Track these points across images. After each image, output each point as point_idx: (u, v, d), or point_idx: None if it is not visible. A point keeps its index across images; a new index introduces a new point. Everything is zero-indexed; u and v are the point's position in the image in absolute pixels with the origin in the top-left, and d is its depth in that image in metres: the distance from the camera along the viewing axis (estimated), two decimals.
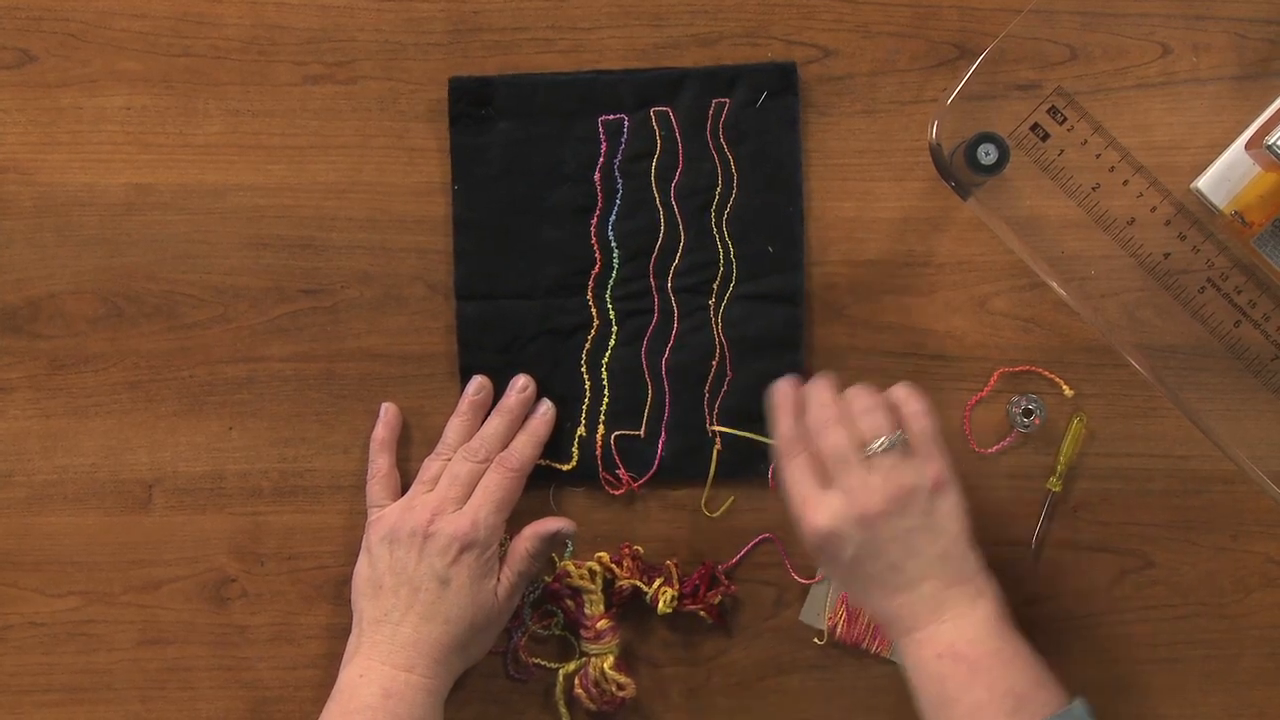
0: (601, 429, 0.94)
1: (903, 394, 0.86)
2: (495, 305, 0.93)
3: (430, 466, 0.92)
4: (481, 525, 0.87)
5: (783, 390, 0.88)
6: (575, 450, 0.94)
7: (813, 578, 0.94)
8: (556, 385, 0.94)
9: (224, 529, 0.94)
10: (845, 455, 0.83)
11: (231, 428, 0.94)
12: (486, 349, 0.93)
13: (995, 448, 0.94)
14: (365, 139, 0.93)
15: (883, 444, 0.83)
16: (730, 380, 0.93)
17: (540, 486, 0.94)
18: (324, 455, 0.94)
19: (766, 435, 0.91)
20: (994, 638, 0.82)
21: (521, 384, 0.93)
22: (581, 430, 0.94)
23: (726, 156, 0.93)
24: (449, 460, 0.91)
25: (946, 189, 0.88)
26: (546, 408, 0.93)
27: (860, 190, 0.94)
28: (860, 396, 0.86)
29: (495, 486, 0.89)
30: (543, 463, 0.93)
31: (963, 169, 0.88)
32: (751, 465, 0.93)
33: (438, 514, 0.88)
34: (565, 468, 0.94)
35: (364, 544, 0.91)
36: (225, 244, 0.93)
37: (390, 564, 0.88)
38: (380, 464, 0.92)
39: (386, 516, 0.90)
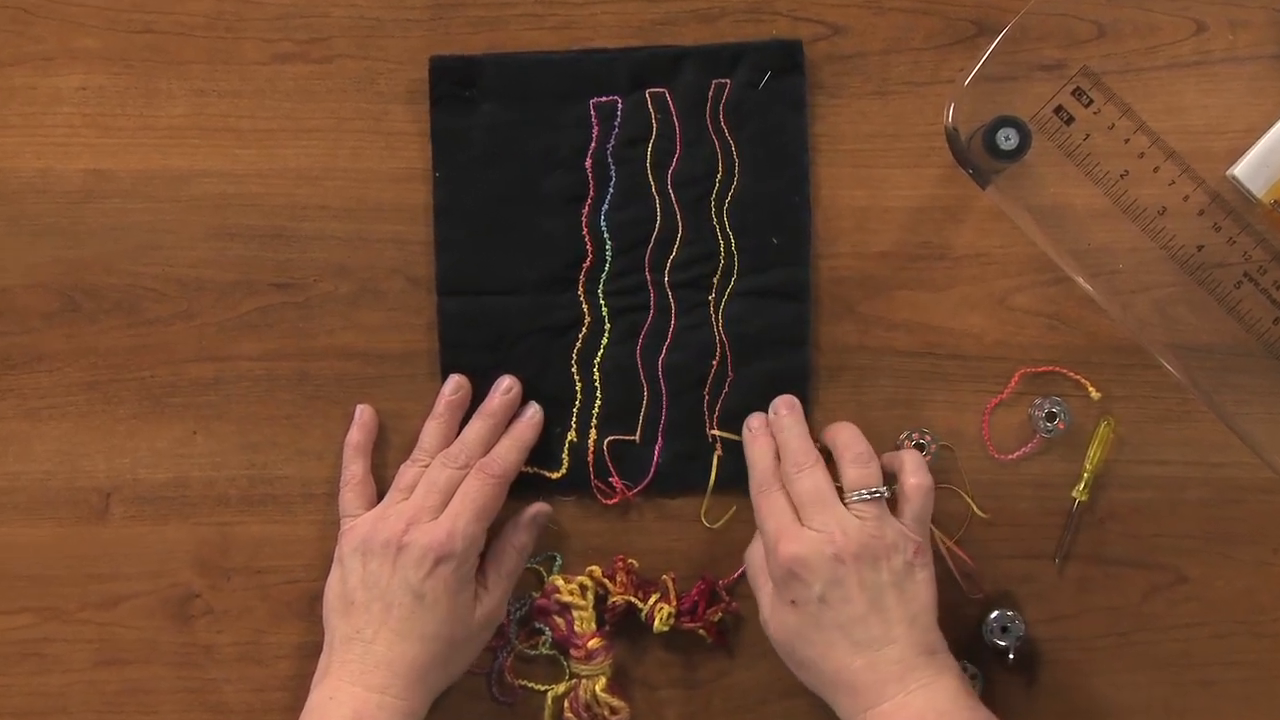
0: (593, 434, 0.93)
1: (911, 463, 0.87)
2: (479, 301, 0.92)
3: (406, 473, 0.90)
4: (459, 535, 0.86)
5: (756, 422, 0.90)
6: (565, 456, 0.93)
7: None
8: (545, 387, 0.93)
9: (188, 540, 0.93)
10: (824, 496, 0.85)
11: (196, 432, 0.93)
12: (470, 347, 0.92)
13: (1016, 454, 0.93)
14: (340, 122, 0.93)
15: (868, 494, 0.85)
16: (731, 381, 0.93)
17: (526, 496, 0.92)
18: (295, 461, 0.93)
19: None
20: (965, 710, 0.82)
21: (506, 385, 0.92)
22: (572, 435, 0.93)
23: (728, 141, 0.92)
24: (426, 467, 0.90)
25: (964, 177, 0.87)
26: (534, 411, 0.92)
27: (871, 178, 0.93)
28: (855, 442, 0.87)
29: (475, 494, 0.88)
30: (529, 470, 0.92)
31: (981, 155, 0.87)
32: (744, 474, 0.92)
33: (413, 524, 0.87)
34: (554, 475, 0.93)
35: (336, 556, 0.89)
36: (190, 234, 0.93)
37: (363, 577, 0.86)
38: (354, 470, 0.91)
39: (359, 527, 0.88)
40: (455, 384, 0.92)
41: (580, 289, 0.93)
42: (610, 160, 0.92)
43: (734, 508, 0.93)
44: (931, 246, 0.93)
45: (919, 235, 0.93)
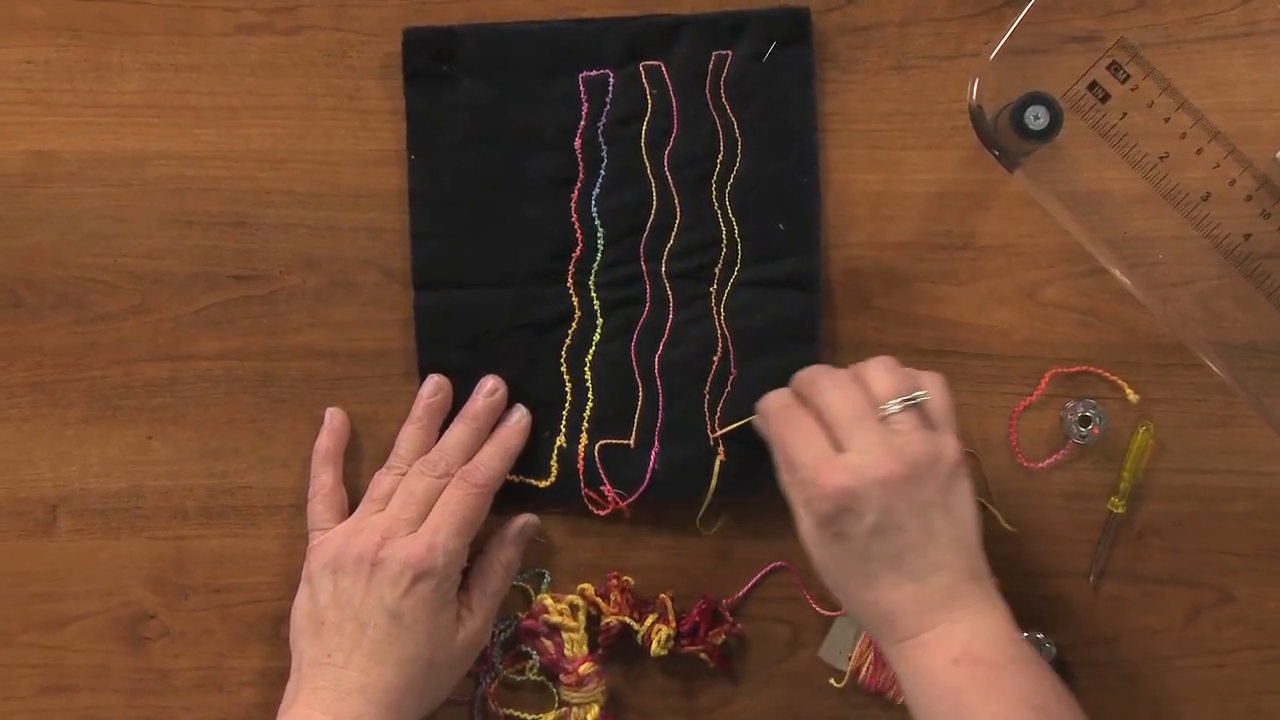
0: (584, 438, 0.92)
1: (920, 371, 0.86)
2: (459, 295, 0.92)
3: (380, 482, 0.89)
4: (439, 550, 0.86)
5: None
6: (554, 463, 0.92)
7: (836, 610, 0.93)
8: (532, 388, 0.92)
9: (141, 556, 0.93)
10: (860, 413, 0.83)
11: (151, 437, 0.93)
12: (450, 345, 0.92)
13: (1047, 462, 0.93)
14: (309, 99, 0.92)
15: (902, 402, 0.83)
16: (734, 380, 0.92)
17: (512, 507, 0.92)
18: (260, 469, 0.93)
19: None
20: (1011, 642, 0.81)
21: (490, 387, 0.91)
22: (561, 440, 0.92)
23: (729, 119, 0.91)
24: (403, 475, 0.89)
25: (989, 159, 0.88)
26: (519, 415, 0.91)
27: (888, 160, 0.92)
28: (876, 359, 0.85)
29: (456, 505, 0.87)
30: (514, 478, 0.92)
31: (1009, 135, 0.87)
32: (761, 479, 0.90)
33: (388, 537, 0.86)
34: (542, 484, 0.92)
35: (304, 573, 0.88)
36: (144, 222, 0.93)
37: (334, 596, 0.86)
38: (324, 480, 0.90)
39: (329, 541, 0.88)
40: (434, 385, 0.91)
41: (569, 281, 0.92)
42: (601, 140, 0.92)
43: (722, 518, 0.93)
44: (954, 236, 0.93)
45: (940, 223, 0.93)
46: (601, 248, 0.92)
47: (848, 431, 0.82)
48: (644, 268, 0.92)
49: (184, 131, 0.92)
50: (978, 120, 0.86)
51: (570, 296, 0.92)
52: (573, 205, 0.92)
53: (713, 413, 0.92)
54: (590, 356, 0.92)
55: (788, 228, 0.91)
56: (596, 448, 0.92)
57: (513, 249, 0.92)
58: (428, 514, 0.87)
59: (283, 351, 0.93)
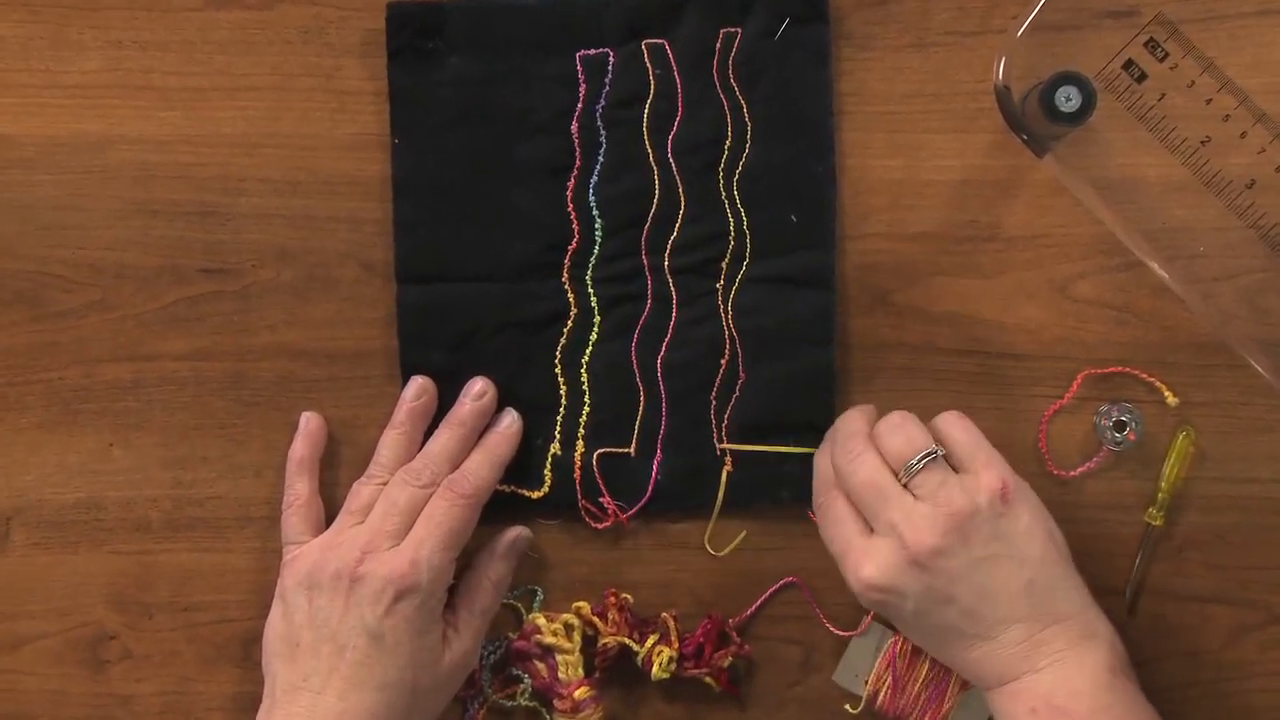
0: (581, 446, 0.91)
1: (942, 417, 0.86)
2: (446, 289, 0.90)
3: (360, 493, 0.88)
4: (424, 565, 0.84)
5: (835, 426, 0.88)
6: (548, 473, 0.91)
7: (852, 629, 0.92)
8: (523, 390, 0.91)
9: (102, 572, 0.92)
10: (880, 485, 0.83)
11: (112, 444, 0.92)
12: (435, 344, 0.90)
13: (1079, 470, 0.92)
14: (284, 79, 0.91)
15: (921, 460, 0.82)
16: (743, 384, 0.91)
17: (502, 519, 0.91)
18: (230, 478, 0.92)
19: (792, 447, 0.91)
20: (1104, 691, 0.80)
21: (478, 389, 0.89)
22: (555, 447, 0.91)
23: (738, 101, 0.90)
24: (384, 485, 0.87)
25: (1017, 144, 0.87)
26: (510, 420, 0.89)
27: (908, 144, 0.91)
28: (885, 420, 0.85)
29: (442, 517, 0.85)
30: (505, 489, 0.90)
31: (1038, 118, 0.86)
32: (771, 491, 0.91)
33: (369, 552, 0.84)
34: (535, 495, 0.91)
35: (278, 591, 0.87)
36: (105, 212, 0.91)
37: (310, 615, 0.84)
38: (299, 489, 0.88)
39: (305, 555, 0.86)
40: (418, 388, 0.89)
41: (565, 275, 0.91)
42: (600, 123, 0.90)
43: (744, 533, 0.92)
44: (979, 226, 0.91)
45: (964, 213, 0.91)
46: (599, 240, 0.91)
47: (872, 512, 0.83)
48: (645, 262, 0.91)
49: (148, 114, 0.91)
50: (1004, 101, 0.85)
51: (566, 292, 0.91)
52: (569, 194, 0.91)
53: (720, 419, 0.91)
54: (587, 357, 0.91)
55: (800, 219, 0.90)
56: (594, 456, 0.91)
57: (503, 240, 0.91)
58: (411, 526, 0.86)
59: (255, 351, 0.92)
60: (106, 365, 0.91)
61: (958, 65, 0.90)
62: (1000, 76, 0.85)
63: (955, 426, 0.84)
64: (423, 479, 0.86)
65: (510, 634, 0.92)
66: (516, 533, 0.91)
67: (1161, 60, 0.88)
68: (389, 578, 0.83)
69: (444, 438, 0.88)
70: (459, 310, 0.91)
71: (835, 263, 0.90)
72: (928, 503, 0.81)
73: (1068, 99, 0.85)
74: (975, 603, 0.81)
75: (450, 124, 0.90)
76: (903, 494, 0.82)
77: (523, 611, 0.92)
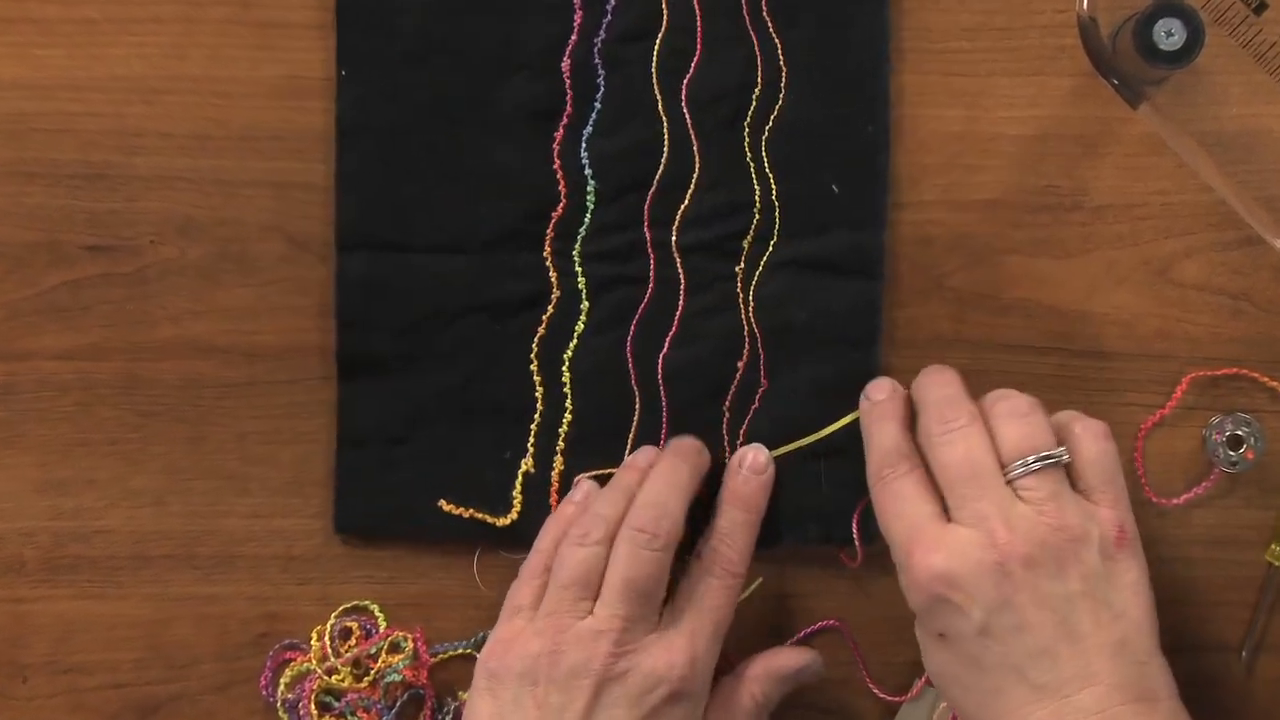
0: (559, 462, 0.85)
1: (1069, 414, 0.79)
2: (398, 261, 0.84)
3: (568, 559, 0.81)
4: (700, 661, 0.78)
5: (880, 390, 0.81)
6: (518, 495, 0.85)
7: (903, 693, 0.86)
8: (490, 392, 0.85)
9: None
10: (981, 468, 0.76)
11: None
12: (382, 329, 0.84)
13: (1185, 496, 0.85)
14: (192, 8, 0.84)
15: (1038, 461, 0.76)
16: (764, 393, 0.84)
17: (459, 551, 0.85)
18: (122, 508, 0.85)
19: (821, 451, 0.84)
20: None
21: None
22: (528, 464, 0.85)
23: (771, 41, 0.84)
24: (599, 544, 0.80)
25: (1106, 90, 0.80)
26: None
27: (970, 90, 0.84)
28: (1006, 398, 0.79)
29: (717, 600, 0.80)
30: (466, 514, 0.84)
31: (1132, 58, 0.79)
32: (797, 527, 0.84)
33: (622, 642, 0.78)
34: (500, 522, 0.84)
35: (474, 687, 0.80)
36: None
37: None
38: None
39: (516, 642, 0.79)
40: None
41: (546, 248, 0.85)
42: (598, 61, 0.84)
43: (759, 580, 0.85)
44: (1059, 192, 0.85)
45: (1040, 175, 0.85)
46: (591, 206, 0.85)
47: (959, 495, 0.76)
48: (647, 236, 0.85)
49: (23, 53, 0.84)
50: (1090, 37, 0.79)
51: (547, 270, 0.85)
52: (555, 147, 0.85)
53: (734, 436, 0.85)
54: (570, 352, 0.85)
55: (843, 190, 0.84)
56: (577, 478, 0.84)
57: (472, 202, 0.84)
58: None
59: (154, 348, 0.85)
60: None
61: None
62: (1085, 6, 0.79)
63: (1092, 442, 0.78)
64: (659, 542, 0.80)
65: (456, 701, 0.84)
66: (808, 660, 0.84)
67: None
68: (664, 675, 0.78)
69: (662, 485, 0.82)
70: (413, 287, 0.84)
71: (884, 244, 0.85)
72: (1032, 507, 0.76)
73: (1169, 34, 0.79)
74: (1054, 641, 0.74)
75: (411, 57, 0.84)
76: (1005, 487, 0.76)
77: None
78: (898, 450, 0.79)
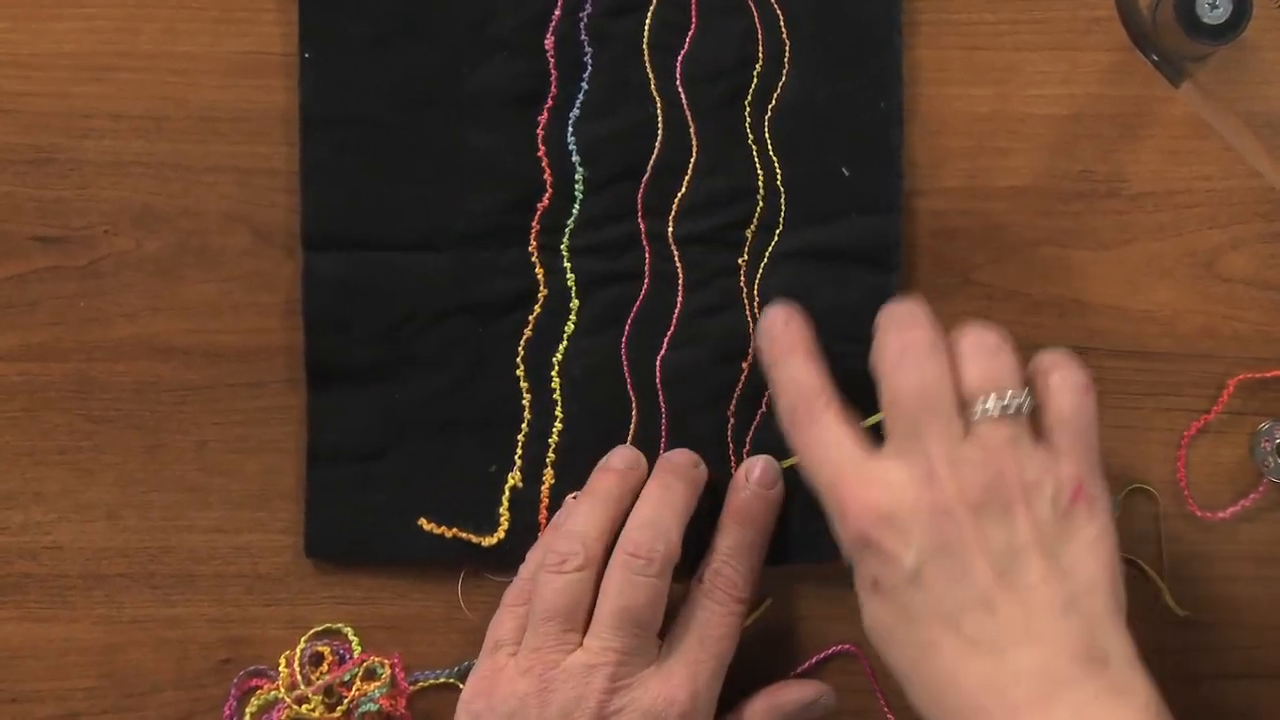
0: (549, 476, 0.82)
1: (1053, 358, 0.76)
2: (371, 260, 0.81)
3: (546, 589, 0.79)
4: (702, 696, 0.76)
5: (775, 321, 0.79)
6: (504, 512, 0.81)
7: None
8: (474, 399, 0.82)
9: None
10: (935, 401, 0.72)
11: None
12: (354, 335, 0.81)
13: (1231, 510, 0.82)
14: None
15: (999, 404, 0.72)
16: (771, 396, 0.80)
17: (441, 571, 0.82)
18: (73, 522, 0.82)
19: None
20: None
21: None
22: (515, 478, 0.81)
23: (772, 11, 0.81)
24: (583, 572, 0.78)
25: (1145, 66, 0.77)
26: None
27: (999, 67, 0.81)
28: (975, 331, 0.75)
29: (720, 631, 0.79)
30: (449, 533, 0.82)
31: (1173, 31, 0.77)
32: (809, 540, 0.81)
33: (617, 677, 0.76)
34: (486, 541, 0.81)
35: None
36: None
37: None
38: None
39: (504, 680, 0.77)
40: (628, 457, 0.82)
41: (533, 243, 0.82)
42: (585, 38, 0.81)
43: (768, 600, 0.82)
44: (1094, 178, 0.82)
45: (1073, 160, 0.82)
46: (580, 196, 0.82)
47: (905, 428, 0.72)
48: (642, 227, 0.81)
49: None
50: (1128, 9, 0.75)
51: (533, 266, 0.82)
52: (540, 133, 0.82)
53: (739, 443, 0.81)
54: (560, 355, 0.82)
55: (854, 173, 0.81)
56: (569, 494, 0.81)
57: (450, 194, 0.81)
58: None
59: (108, 349, 0.82)
60: None
61: None
62: None
63: (1070, 394, 0.74)
64: (654, 568, 0.78)
65: None
66: (818, 693, 0.82)
67: None
68: (662, 713, 0.76)
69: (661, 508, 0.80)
70: (388, 289, 0.81)
71: (900, 233, 0.81)
72: (981, 449, 0.72)
73: (1213, 6, 0.77)
74: (994, 592, 0.71)
75: (382, 36, 0.81)
76: (957, 424, 0.73)
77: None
78: (810, 386, 0.76)
